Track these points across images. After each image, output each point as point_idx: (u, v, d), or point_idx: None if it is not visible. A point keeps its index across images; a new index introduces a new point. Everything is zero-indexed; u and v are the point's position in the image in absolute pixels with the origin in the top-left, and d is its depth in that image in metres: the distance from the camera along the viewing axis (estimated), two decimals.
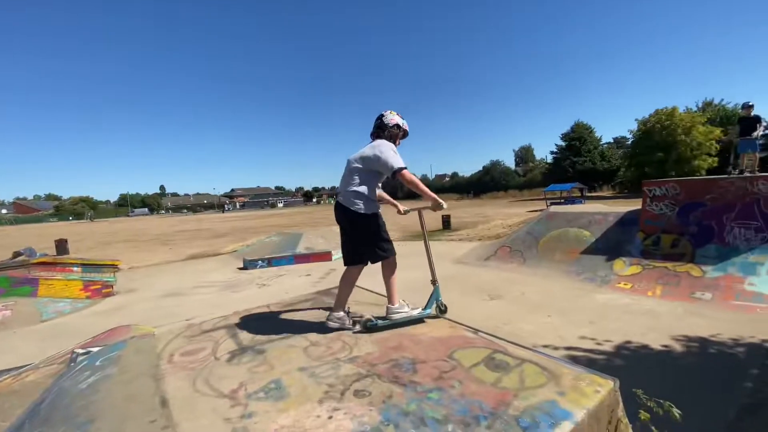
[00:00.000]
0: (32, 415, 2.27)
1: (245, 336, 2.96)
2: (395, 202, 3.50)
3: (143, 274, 12.85)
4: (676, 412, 1.75)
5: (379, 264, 2.99)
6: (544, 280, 8.27)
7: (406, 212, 3.51)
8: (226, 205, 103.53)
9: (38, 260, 9.99)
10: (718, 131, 29.54)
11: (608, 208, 10.45)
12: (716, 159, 29.19)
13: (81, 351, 3.23)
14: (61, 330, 7.31)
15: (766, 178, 6.98)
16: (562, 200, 28.84)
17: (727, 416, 3.49)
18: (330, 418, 1.79)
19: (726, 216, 7.07)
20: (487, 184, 64.43)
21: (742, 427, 3.32)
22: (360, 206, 2.85)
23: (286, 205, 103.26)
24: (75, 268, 9.91)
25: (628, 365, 4.56)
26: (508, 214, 25.52)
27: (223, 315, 3.58)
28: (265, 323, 3.21)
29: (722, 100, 37.43)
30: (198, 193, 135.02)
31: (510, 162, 77.19)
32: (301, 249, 13.11)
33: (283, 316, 3.37)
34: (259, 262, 12.41)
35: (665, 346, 4.92)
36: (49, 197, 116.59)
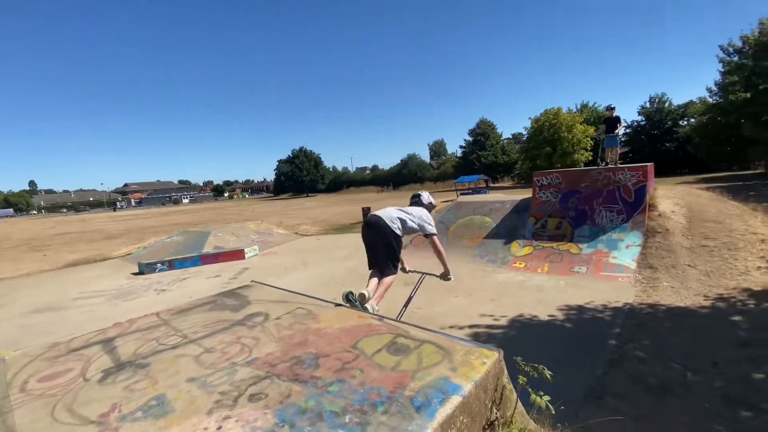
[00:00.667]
0: None
1: (125, 350, 2.58)
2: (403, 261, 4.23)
3: (7, 287, 10.59)
4: (547, 373, 1.98)
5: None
6: (453, 264, 8.70)
7: (409, 272, 4.35)
8: (118, 203, 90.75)
9: None
10: (591, 129, 34.78)
11: (507, 197, 11.59)
12: (591, 153, 34.39)
13: None
14: None
15: (623, 169, 8.39)
16: (470, 191, 31.30)
17: (596, 371, 4.14)
18: (219, 428, 1.64)
19: (596, 201, 8.35)
20: (405, 176, 66.88)
21: (607, 379, 3.97)
22: (398, 230, 3.72)
23: (192, 201, 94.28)
24: None
25: (520, 335, 5.13)
26: None
27: (101, 329, 3.09)
28: (152, 333, 2.84)
29: (595, 102, 44.21)
30: (81, 190, 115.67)
31: (425, 156, 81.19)
32: (208, 249, 12.07)
33: (176, 323, 3.02)
34: (159, 265, 11.12)
35: (551, 315, 5.65)
36: None
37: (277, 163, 75.92)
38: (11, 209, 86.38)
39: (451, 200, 18.06)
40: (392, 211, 3.84)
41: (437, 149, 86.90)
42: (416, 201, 4.27)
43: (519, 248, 8.54)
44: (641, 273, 6.75)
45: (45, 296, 9.19)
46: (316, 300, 3.25)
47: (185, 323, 2.99)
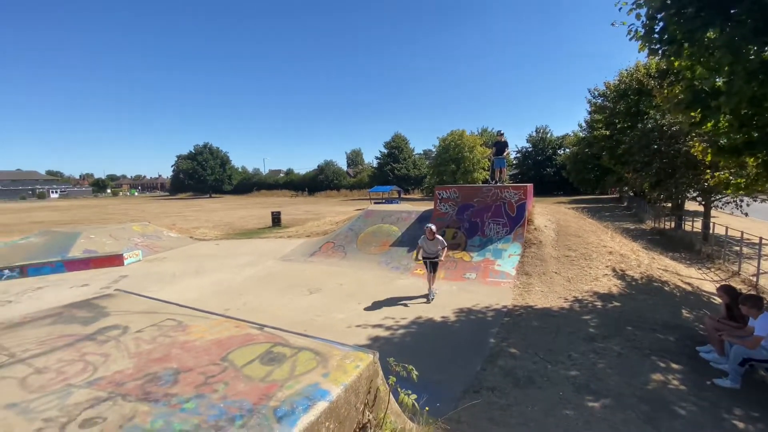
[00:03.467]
0: None
1: None
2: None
3: None
4: (414, 373, 2.09)
5: None
6: (360, 271, 8.96)
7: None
8: None
9: None
10: (489, 151, 39.00)
11: (413, 207, 12.19)
12: (488, 172, 38.53)
13: None
14: None
15: (509, 188, 9.49)
16: (383, 200, 32.33)
17: (475, 367, 4.54)
18: None
19: (486, 214, 9.27)
20: (321, 182, 66.02)
21: (484, 374, 4.36)
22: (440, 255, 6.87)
23: (63, 196, 79.54)
24: None
25: (414, 337, 5.37)
26: (338, 211, 26.74)
27: None
28: None
29: (492, 127, 49.82)
30: None
31: (343, 163, 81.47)
32: (76, 252, 10.24)
33: (2, 339, 2.46)
34: (6, 271, 9.08)
35: (443, 317, 6.04)
36: None
37: (176, 159, 68.51)
38: None
39: (365, 209, 18.39)
40: (430, 244, 6.95)
41: (354, 158, 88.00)
42: (433, 232, 6.96)
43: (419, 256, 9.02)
44: (519, 279, 7.67)
45: None
46: (192, 310, 2.96)
47: (14, 340, 2.44)
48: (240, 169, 76.20)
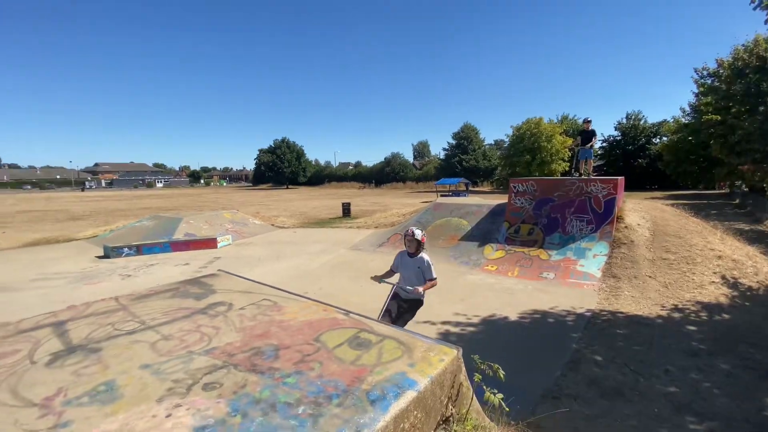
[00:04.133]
0: None
1: (78, 333, 2.48)
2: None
3: None
4: (501, 373, 2.03)
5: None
6: None
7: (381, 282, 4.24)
8: (87, 182, 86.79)
9: None
10: (569, 140, 35.84)
11: (484, 201, 11.80)
12: (568, 164, 35.47)
13: None
14: None
15: (596, 181, 8.68)
16: (450, 193, 31.73)
17: (554, 373, 4.29)
18: (168, 416, 1.60)
19: (567, 210, 8.61)
20: (387, 175, 66.88)
21: (564, 380, 4.11)
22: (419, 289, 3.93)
23: (167, 186, 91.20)
24: None
25: (487, 335, 5.24)
26: (404, 203, 26.93)
27: (53, 311, 2.96)
28: (108, 318, 2.74)
29: (575, 115, 45.57)
30: (48, 167, 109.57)
31: (409, 156, 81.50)
32: (179, 235, 11.72)
33: (135, 308, 2.93)
34: (126, 249, 10.72)
35: (519, 317, 5.80)
36: None
37: (258, 153, 74.43)
38: None
39: (431, 201, 18.25)
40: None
41: (421, 150, 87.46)
42: (418, 243, 4.11)
43: (492, 251, 8.72)
44: (605, 282, 7.02)
45: None
46: (284, 292, 3.22)
47: (144, 309, 2.90)
48: (313, 162, 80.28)
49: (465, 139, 55.00)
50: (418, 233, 4.02)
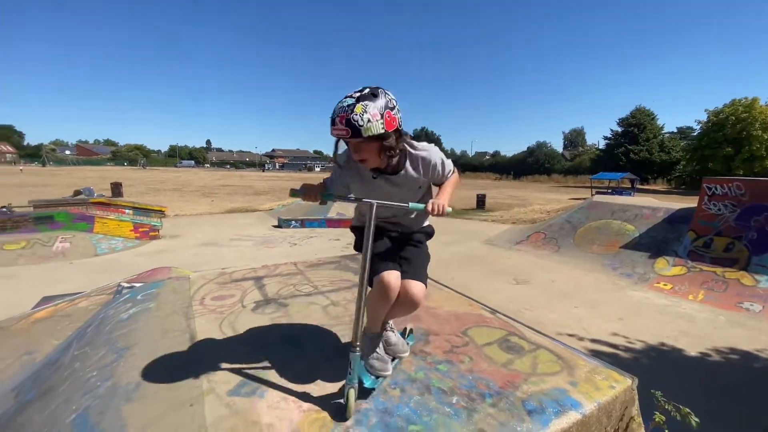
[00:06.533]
0: (80, 337, 2.55)
1: (271, 289, 3.10)
2: None
3: (187, 222, 13.71)
4: (693, 419, 1.65)
5: None
6: (576, 270, 7.98)
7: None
8: (266, 165, 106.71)
9: (95, 200, 10.89)
10: None
11: (659, 203, 9.73)
12: None
13: (126, 285, 3.54)
14: (111, 265, 8.04)
15: None
16: (609, 190, 27.08)
17: (757, 429, 3.32)
18: None
19: None
20: (529, 166, 61.61)
21: None
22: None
23: (323, 170, 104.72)
24: (127, 211, 10.73)
25: (655, 366, 4.39)
26: (547, 199, 24.49)
27: (253, 267, 3.77)
28: (290, 279, 3.35)
29: None
30: (241, 151, 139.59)
31: (557, 145, 73.10)
32: (332, 214, 13.37)
33: (308, 274, 3.49)
34: (293, 222, 12.83)
35: (700, 353, 4.67)
36: (107, 142, 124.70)
37: None
38: (193, 161, 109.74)
39: (584, 198, 16.04)
40: None
41: (574, 138, 77.25)
42: None
43: (667, 266, 7.16)
44: None
45: (210, 234, 11.57)
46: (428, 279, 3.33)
47: (316, 276, 3.43)
48: (449, 151, 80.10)
49: (636, 126, 45.97)
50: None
